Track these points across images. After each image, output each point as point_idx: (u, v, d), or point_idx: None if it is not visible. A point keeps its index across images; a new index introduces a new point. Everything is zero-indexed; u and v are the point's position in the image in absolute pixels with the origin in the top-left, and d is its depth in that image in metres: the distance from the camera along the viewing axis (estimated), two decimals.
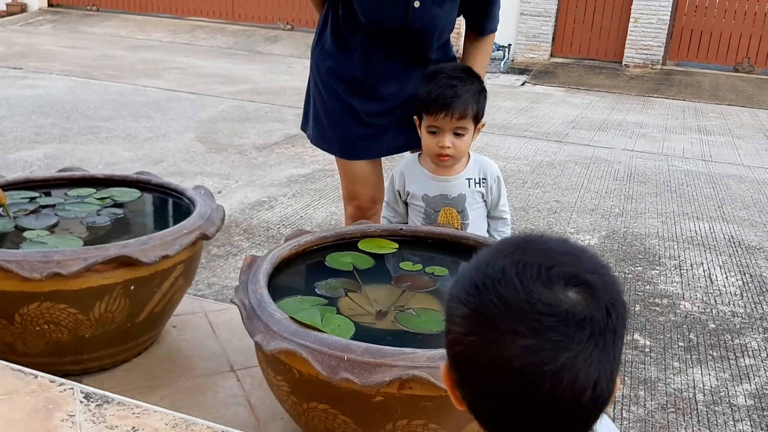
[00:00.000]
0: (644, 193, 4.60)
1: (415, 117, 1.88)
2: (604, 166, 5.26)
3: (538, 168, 5.05)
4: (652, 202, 4.39)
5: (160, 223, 1.96)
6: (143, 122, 5.75)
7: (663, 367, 2.46)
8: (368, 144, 2.12)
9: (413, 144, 2.15)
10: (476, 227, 1.91)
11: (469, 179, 1.91)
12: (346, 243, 1.79)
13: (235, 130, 5.69)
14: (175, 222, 1.82)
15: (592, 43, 10.77)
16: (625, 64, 10.42)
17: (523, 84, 9.43)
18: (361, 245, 1.78)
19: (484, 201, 1.95)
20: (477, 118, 1.81)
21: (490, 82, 9.64)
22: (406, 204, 1.98)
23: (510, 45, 10.83)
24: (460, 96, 1.75)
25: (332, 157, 2.37)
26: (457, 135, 1.80)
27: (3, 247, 1.68)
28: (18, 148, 4.73)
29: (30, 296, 1.54)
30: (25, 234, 1.72)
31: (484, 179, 1.92)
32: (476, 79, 1.85)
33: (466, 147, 1.84)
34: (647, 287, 3.10)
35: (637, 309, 2.88)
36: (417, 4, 1.93)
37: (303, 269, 1.67)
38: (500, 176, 1.95)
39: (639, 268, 3.32)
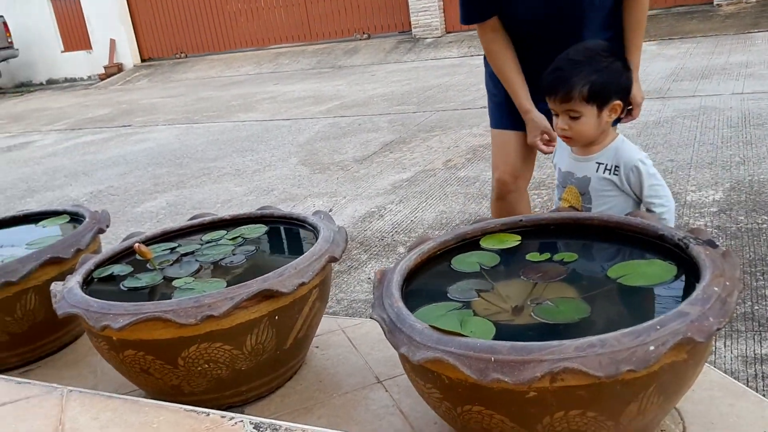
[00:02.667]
0: (763, 135, 4.34)
1: None
2: (715, 114, 5.00)
3: (644, 129, 4.88)
4: None
5: (291, 253, 2.05)
6: (248, 156, 6.01)
7: None
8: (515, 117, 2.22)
9: None
10: (602, 211, 1.86)
11: (599, 164, 1.85)
12: (468, 243, 1.82)
13: (333, 148, 5.84)
14: (304, 249, 1.91)
15: None
16: (717, 4, 9.84)
17: None
18: (483, 243, 1.80)
19: (622, 191, 1.86)
20: (597, 99, 1.75)
21: None
22: None
23: None
24: (565, 79, 1.74)
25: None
26: (573, 118, 1.78)
27: (156, 298, 1.82)
28: (142, 201, 5.07)
29: (189, 340, 1.67)
30: (174, 283, 1.86)
31: (617, 167, 1.84)
32: (600, 59, 1.78)
33: (586, 129, 1.80)
34: None
35: None
36: None
37: (431, 276, 1.71)
38: (640, 166, 1.81)
39: None
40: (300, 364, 2.02)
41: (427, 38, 11.58)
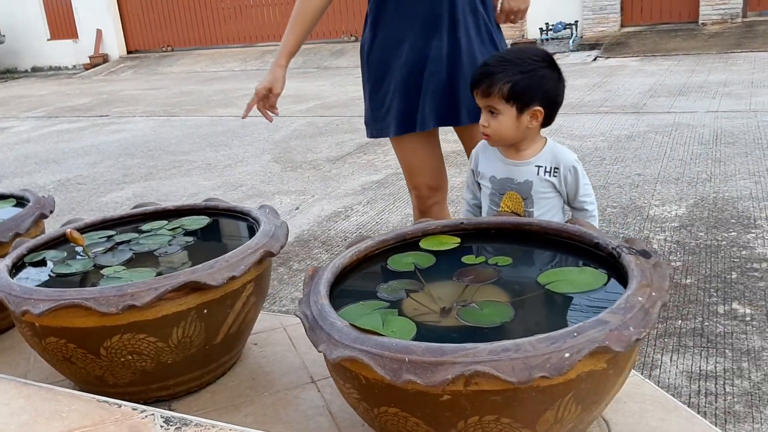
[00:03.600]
0: (733, 154, 4.35)
1: None
2: (687, 131, 5.02)
3: (616, 143, 4.88)
4: (743, 163, 4.15)
5: (229, 246, 2.00)
6: (221, 151, 5.96)
7: (767, 335, 2.31)
8: (402, 118, 2.12)
9: (445, 118, 2.11)
10: (542, 214, 1.85)
11: (539, 166, 1.84)
12: (408, 243, 1.78)
13: (308, 147, 5.80)
14: (243, 243, 1.86)
15: (664, 6, 10.32)
16: (702, 23, 9.92)
17: (594, 59, 9.15)
18: (422, 244, 1.77)
19: (558, 192, 1.87)
20: (517, 100, 1.73)
21: (559, 62, 9.40)
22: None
23: (577, 22, 10.54)
24: (489, 74, 1.73)
25: None
26: (493, 115, 1.77)
27: (84, 286, 1.77)
28: (109, 191, 5.00)
29: (111, 330, 1.62)
30: (103, 271, 1.81)
31: (557, 169, 1.83)
32: (529, 62, 1.75)
33: (504, 128, 1.77)
34: (743, 252, 2.93)
35: (733, 276, 2.73)
36: None
37: (365, 275, 1.67)
38: (577, 166, 1.83)
39: (733, 233, 3.14)
40: (234, 360, 1.97)
41: None
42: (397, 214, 3.88)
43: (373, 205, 4.12)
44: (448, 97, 2.06)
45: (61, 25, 15.63)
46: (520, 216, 1.85)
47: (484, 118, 1.79)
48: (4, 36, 15.19)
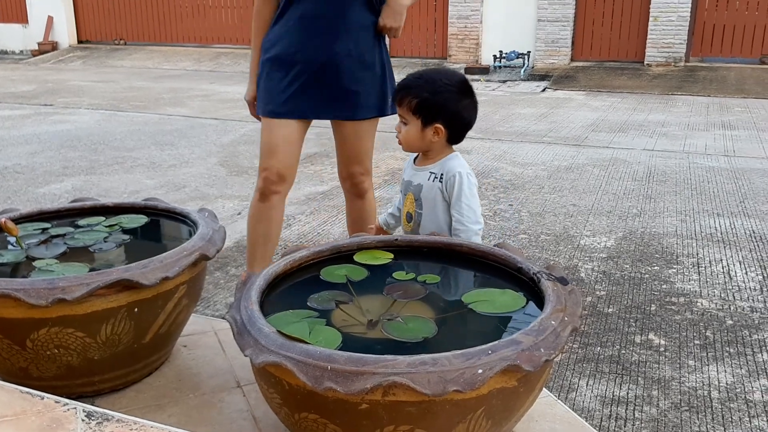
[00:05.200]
0: (663, 192, 4.56)
1: None
2: (623, 167, 5.23)
3: (555, 173, 5.04)
4: (672, 201, 4.35)
5: (165, 247, 2.02)
6: (167, 150, 5.90)
7: (678, 365, 2.44)
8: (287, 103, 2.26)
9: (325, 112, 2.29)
10: (429, 218, 2.03)
11: (432, 173, 2.04)
12: (343, 256, 1.83)
13: (255, 152, 5.79)
14: (179, 244, 1.88)
15: (612, 44, 10.71)
16: (648, 64, 10.33)
17: (543, 90, 9.41)
18: (357, 257, 1.82)
19: (446, 200, 2.03)
20: (422, 114, 1.94)
21: (509, 90, 9.68)
22: None
23: (529, 52, 10.82)
24: (404, 88, 1.96)
25: None
26: (403, 123, 1.99)
27: (15, 277, 1.76)
28: (47, 182, 4.90)
29: (38, 322, 1.62)
30: (35, 263, 1.81)
31: (443, 175, 2.02)
32: (442, 84, 1.93)
33: (409, 136, 2.00)
34: (664, 286, 3.08)
35: (652, 309, 2.86)
36: None
37: (298, 284, 1.72)
38: (459, 176, 1.97)
39: (656, 267, 3.30)
40: (162, 360, 1.98)
41: None
42: (339, 226, 3.93)
43: (316, 215, 4.16)
44: (327, 94, 2.25)
45: (11, 8, 15.19)
46: (413, 216, 2.06)
47: (397, 126, 2.02)
48: None
